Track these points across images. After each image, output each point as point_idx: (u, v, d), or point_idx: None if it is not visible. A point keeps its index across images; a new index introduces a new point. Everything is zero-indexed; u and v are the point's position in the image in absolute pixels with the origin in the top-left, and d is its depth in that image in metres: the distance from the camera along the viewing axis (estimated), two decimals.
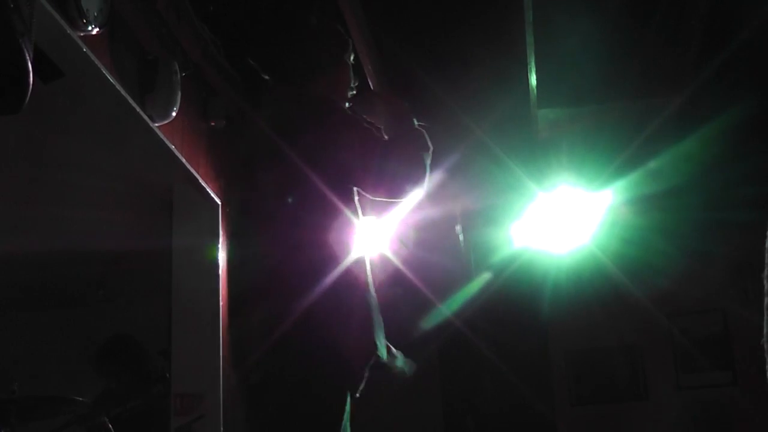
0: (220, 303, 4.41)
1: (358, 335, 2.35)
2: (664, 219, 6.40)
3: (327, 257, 2.48)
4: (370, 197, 2.47)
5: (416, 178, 2.36)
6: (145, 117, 3.45)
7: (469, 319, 5.82)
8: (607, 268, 6.13)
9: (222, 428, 4.22)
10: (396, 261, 5.52)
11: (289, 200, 2.37)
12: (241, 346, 2.37)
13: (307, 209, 2.40)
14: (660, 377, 6.78)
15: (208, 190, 4.33)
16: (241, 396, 2.37)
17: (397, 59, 4.49)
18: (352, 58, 2.61)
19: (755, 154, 5.39)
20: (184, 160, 3.94)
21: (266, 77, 2.58)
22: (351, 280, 2.47)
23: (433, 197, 4.78)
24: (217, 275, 4.43)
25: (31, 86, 1.92)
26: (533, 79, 4.40)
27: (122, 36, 3.37)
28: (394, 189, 2.40)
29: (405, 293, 5.73)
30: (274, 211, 2.38)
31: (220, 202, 4.49)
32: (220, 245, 4.46)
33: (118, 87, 3.20)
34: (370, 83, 4.49)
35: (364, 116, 2.51)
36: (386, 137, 2.45)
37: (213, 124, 4.40)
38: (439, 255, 5.77)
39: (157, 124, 3.57)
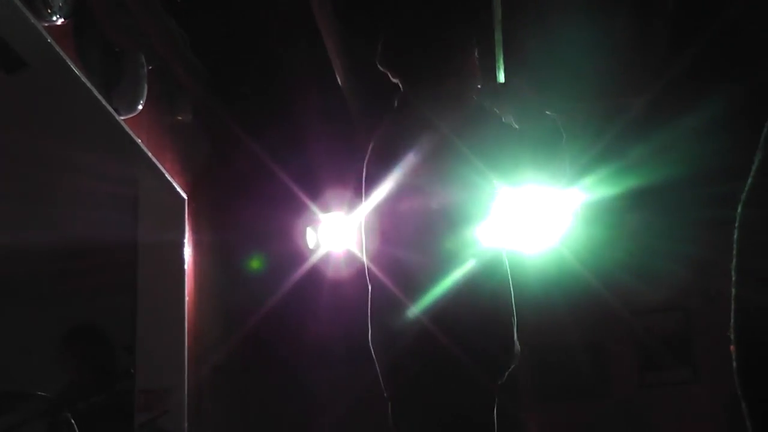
0: (186, 298, 4.39)
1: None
2: (629, 218, 6.47)
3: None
4: (507, 187, 2.52)
5: (552, 166, 2.40)
6: (111, 110, 3.42)
7: (436, 317, 5.80)
8: (574, 267, 6.17)
9: (186, 424, 4.20)
10: (364, 257, 5.51)
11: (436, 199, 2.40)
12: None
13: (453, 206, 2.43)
14: (624, 375, 6.84)
15: (174, 184, 4.30)
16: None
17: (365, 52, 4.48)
18: (477, 53, 2.64)
19: (721, 152, 5.45)
20: (150, 154, 3.90)
21: (397, 80, 2.60)
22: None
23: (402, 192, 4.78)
24: (183, 270, 4.41)
25: None
26: (501, 77, 4.41)
27: (88, 27, 3.32)
28: (530, 178, 2.45)
29: (372, 290, 5.75)
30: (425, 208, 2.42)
31: (186, 197, 4.46)
32: (186, 240, 4.45)
33: (84, 79, 3.16)
34: (339, 79, 4.49)
35: (494, 108, 2.53)
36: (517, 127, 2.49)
37: (180, 118, 4.37)
38: (409, 252, 5.76)
39: (122, 118, 3.53)
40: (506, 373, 2.35)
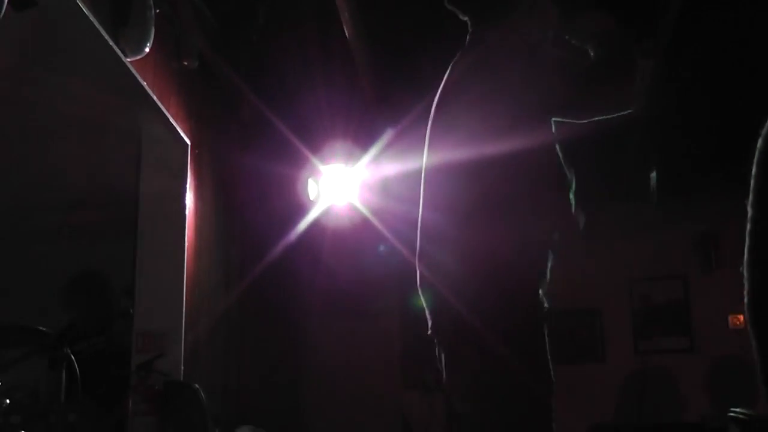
0: (186, 243, 4.42)
1: None
2: (631, 186, 6.46)
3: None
4: (577, 121, 2.45)
5: (621, 96, 2.36)
6: (118, 51, 3.41)
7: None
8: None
9: (183, 367, 4.25)
10: (365, 211, 5.54)
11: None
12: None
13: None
14: (618, 341, 6.88)
15: (179, 129, 4.30)
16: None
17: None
18: None
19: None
20: (155, 98, 3.90)
21: (466, 18, 2.57)
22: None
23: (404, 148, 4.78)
24: (184, 215, 4.42)
25: (3, 12, 1.86)
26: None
27: None
28: (600, 109, 2.39)
29: (373, 242, 5.77)
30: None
31: (189, 142, 4.46)
32: (188, 186, 4.46)
33: (92, 18, 3.15)
34: (346, 30, 4.47)
35: (572, 40, 2.49)
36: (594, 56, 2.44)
37: (185, 63, 4.36)
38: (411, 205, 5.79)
39: (129, 59, 3.53)
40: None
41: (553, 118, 2.39)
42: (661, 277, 7.10)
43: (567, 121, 2.42)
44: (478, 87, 2.34)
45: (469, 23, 2.57)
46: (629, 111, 2.36)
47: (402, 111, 4.58)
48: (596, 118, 2.41)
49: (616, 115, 2.37)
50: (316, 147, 5.41)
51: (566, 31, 2.50)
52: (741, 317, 7.36)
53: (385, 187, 5.56)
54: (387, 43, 4.81)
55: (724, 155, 6.33)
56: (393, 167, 5.31)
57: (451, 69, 2.50)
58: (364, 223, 5.54)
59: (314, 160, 5.39)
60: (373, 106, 5.31)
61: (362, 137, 5.42)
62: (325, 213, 5.56)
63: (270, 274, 5.21)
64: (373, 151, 5.28)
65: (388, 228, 5.34)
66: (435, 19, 4.55)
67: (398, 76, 5.03)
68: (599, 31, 2.44)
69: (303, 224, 5.42)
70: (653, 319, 7.00)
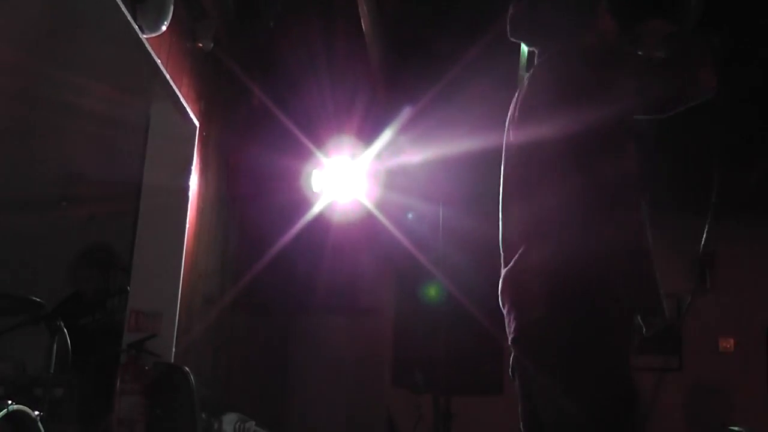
0: (186, 225, 4.39)
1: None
2: None
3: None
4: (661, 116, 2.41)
5: (704, 79, 2.32)
6: (135, 26, 3.39)
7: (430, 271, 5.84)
8: None
9: (174, 349, 4.22)
10: (369, 204, 5.52)
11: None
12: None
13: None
14: None
15: (189, 110, 4.27)
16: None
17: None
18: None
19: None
20: (168, 77, 3.88)
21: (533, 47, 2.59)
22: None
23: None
24: (187, 197, 4.40)
25: None
26: None
27: None
28: (684, 97, 2.35)
29: (373, 237, 5.73)
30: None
31: (198, 124, 4.44)
32: (193, 168, 4.43)
33: None
34: (363, 25, 4.45)
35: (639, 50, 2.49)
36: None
37: (200, 45, 4.34)
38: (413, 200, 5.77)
39: (145, 36, 3.50)
40: None
41: (637, 116, 2.37)
42: None
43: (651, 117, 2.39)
44: (560, 97, 2.33)
45: (536, 52, 2.58)
46: (713, 94, 2.32)
47: (413, 98, 4.57)
48: (681, 108, 2.36)
49: (700, 101, 2.33)
50: (322, 139, 5.39)
51: (629, 42, 2.50)
52: (732, 340, 7.38)
53: (391, 179, 5.54)
54: (401, 30, 4.79)
55: (724, 176, 6.31)
56: (399, 159, 5.30)
57: (528, 83, 2.49)
58: (366, 217, 5.52)
59: (320, 153, 5.37)
60: (383, 98, 5.29)
61: (369, 130, 5.40)
62: (327, 206, 5.53)
63: (267, 264, 5.18)
64: (380, 143, 5.26)
65: (391, 222, 5.33)
66: (448, 5, 4.55)
67: (411, 62, 5.01)
68: (663, 37, 2.44)
69: (304, 216, 5.39)
70: (646, 337, 6.98)
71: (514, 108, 2.51)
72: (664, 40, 2.44)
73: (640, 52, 2.47)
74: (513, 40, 2.60)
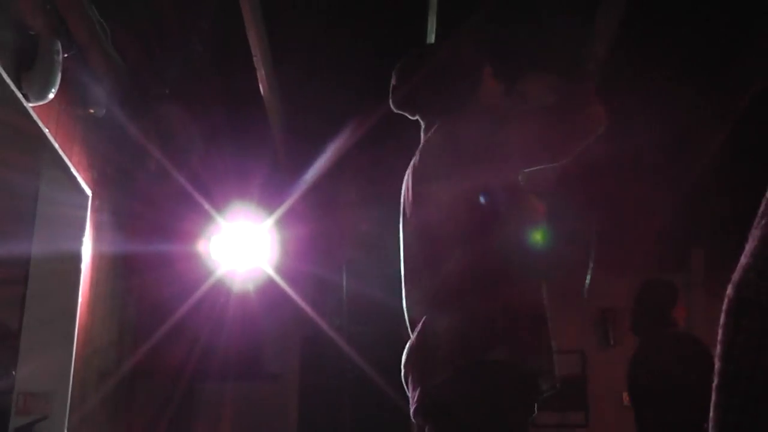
0: (79, 299, 4.20)
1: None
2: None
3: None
4: (557, 162, 2.41)
5: (593, 118, 2.34)
6: (20, 95, 3.24)
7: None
8: None
9: (66, 430, 4.00)
10: (270, 270, 5.41)
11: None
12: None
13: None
14: None
15: (80, 179, 4.11)
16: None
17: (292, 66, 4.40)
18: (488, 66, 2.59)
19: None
20: (56, 146, 3.72)
21: (416, 118, 2.59)
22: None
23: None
24: (80, 270, 4.21)
25: None
26: None
27: (2, 7, 3.16)
28: (578, 138, 2.35)
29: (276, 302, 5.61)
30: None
31: (90, 194, 4.28)
32: (85, 239, 4.25)
33: None
34: (262, 89, 4.39)
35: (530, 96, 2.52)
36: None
37: (91, 111, 4.19)
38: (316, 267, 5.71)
39: (31, 105, 3.36)
40: None
41: (533, 167, 2.37)
42: (559, 351, 7.13)
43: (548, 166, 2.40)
44: (452, 165, 2.33)
45: (421, 121, 2.58)
46: (602, 131, 2.34)
47: (315, 163, 4.53)
48: (576, 150, 2.37)
49: (593, 138, 2.35)
50: (223, 204, 5.28)
51: (515, 99, 2.53)
52: None
53: (293, 246, 5.46)
54: (300, 96, 4.75)
55: (623, 231, 6.47)
56: (301, 226, 5.22)
57: (419, 156, 2.47)
58: (269, 283, 5.41)
59: (221, 218, 5.25)
60: (284, 163, 5.22)
61: (270, 197, 5.32)
62: (229, 272, 5.40)
63: (168, 332, 5.01)
64: (281, 211, 5.18)
65: (294, 288, 5.24)
66: (350, 80, 4.54)
67: (311, 128, 4.97)
68: (546, 87, 2.44)
69: (205, 283, 5.25)
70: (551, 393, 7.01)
71: (407, 182, 2.49)
72: (548, 89, 2.46)
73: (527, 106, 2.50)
74: (397, 112, 2.58)
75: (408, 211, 2.47)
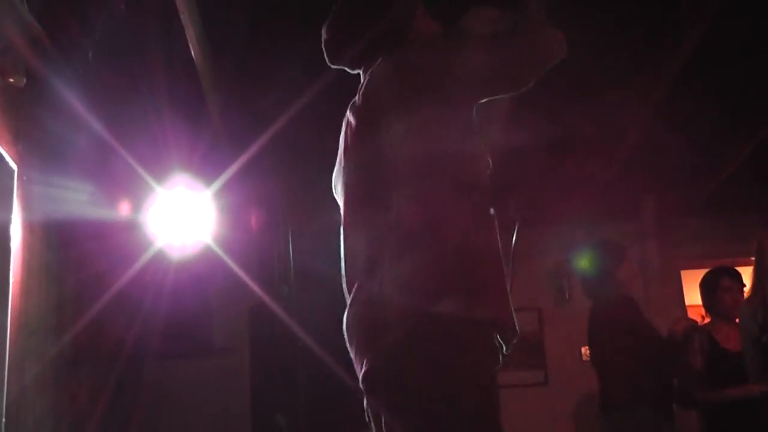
0: (11, 280, 3.98)
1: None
2: None
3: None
4: (516, 91, 2.26)
5: (540, 49, 2.20)
6: None
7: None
8: None
9: (4, 420, 3.80)
10: (214, 243, 5.22)
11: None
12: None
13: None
14: None
15: (3, 153, 3.88)
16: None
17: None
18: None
19: None
20: None
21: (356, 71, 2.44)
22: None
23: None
24: (9, 249, 3.99)
25: None
26: None
27: None
28: (532, 69, 2.20)
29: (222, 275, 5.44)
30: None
31: (16, 168, 4.05)
32: (13, 216, 4.03)
33: None
34: (192, 52, 4.18)
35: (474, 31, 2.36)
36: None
37: (11, 81, 3.95)
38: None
39: None
40: None
41: (490, 97, 2.21)
42: (517, 309, 7.06)
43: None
44: (398, 90, 2.18)
45: (361, 76, 2.43)
46: (564, 53, 2.22)
47: (250, 138, 4.36)
48: (536, 76, 2.22)
49: (554, 63, 2.21)
50: (161, 174, 5.06)
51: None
52: None
53: (234, 216, 5.28)
54: (237, 64, 4.56)
55: (582, 185, 6.40)
56: (243, 196, 5.04)
57: (361, 98, 2.31)
58: (212, 255, 5.22)
59: (159, 188, 5.03)
60: (224, 133, 5.03)
61: (211, 165, 5.12)
62: (169, 244, 5.20)
63: (107, 309, 4.81)
64: (222, 179, 4.98)
65: (237, 259, 5.06)
66: (291, 42, 4.36)
67: (251, 100, 4.80)
68: (491, 20, 2.30)
69: (145, 256, 5.04)
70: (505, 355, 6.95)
71: (347, 124, 2.32)
72: (494, 23, 2.31)
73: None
74: (333, 66, 2.42)
75: (349, 155, 2.30)
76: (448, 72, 2.10)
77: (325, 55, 2.43)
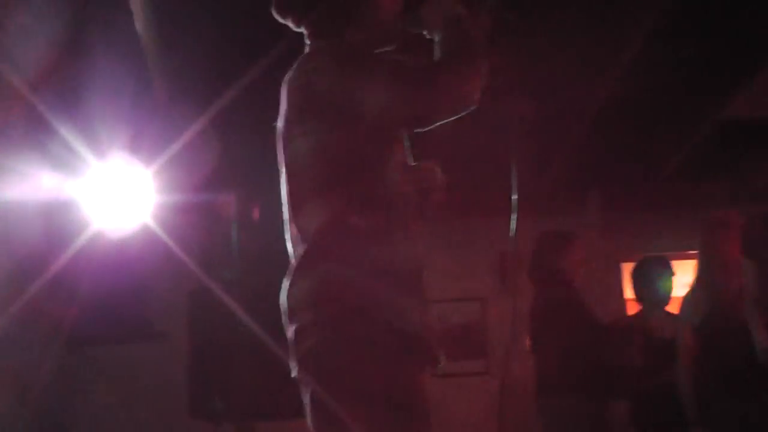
0: None
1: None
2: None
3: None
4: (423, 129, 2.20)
5: (469, 88, 2.13)
6: None
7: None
8: None
9: None
10: (154, 223, 5.09)
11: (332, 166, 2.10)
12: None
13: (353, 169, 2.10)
14: None
15: None
16: None
17: None
18: None
19: None
20: None
21: (301, 30, 2.34)
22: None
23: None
24: None
25: None
26: None
27: None
28: (450, 107, 2.15)
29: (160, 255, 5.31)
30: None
31: None
32: None
33: None
34: (136, 24, 4.05)
35: (417, 30, 2.32)
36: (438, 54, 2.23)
37: None
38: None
39: None
40: None
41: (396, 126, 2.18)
42: (459, 299, 7.06)
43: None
44: (309, 108, 2.14)
45: (305, 35, 2.34)
46: (473, 108, 2.15)
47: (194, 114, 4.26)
48: (442, 121, 2.17)
49: (462, 114, 2.16)
50: (99, 152, 4.92)
51: (411, 24, 2.33)
52: None
53: (175, 196, 5.16)
54: (183, 39, 4.45)
55: (521, 173, 6.39)
56: (186, 175, 4.93)
57: (287, 89, 2.25)
58: (150, 235, 5.09)
59: (97, 166, 4.89)
60: (167, 110, 4.90)
61: (151, 143, 4.99)
62: (107, 224, 5.06)
63: (42, 292, 4.67)
64: (164, 158, 4.85)
65: (178, 241, 4.95)
66: (238, 17, 4.26)
67: (196, 76, 4.69)
68: (446, 16, 2.24)
69: (82, 238, 4.90)
70: (451, 341, 6.95)
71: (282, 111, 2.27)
72: (445, 21, 2.26)
73: (419, 32, 2.32)
74: (278, 18, 2.34)
75: (279, 149, 2.28)
76: (351, 103, 2.06)
77: (272, 7, 2.36)
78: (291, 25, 2.34)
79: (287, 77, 2.24)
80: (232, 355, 5.21)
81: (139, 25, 4.10)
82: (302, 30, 2.34)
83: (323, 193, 2.08)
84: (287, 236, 2.22)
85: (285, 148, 2.20)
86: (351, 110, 2.07)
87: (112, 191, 5.09)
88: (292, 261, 2.15)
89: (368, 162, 2.10)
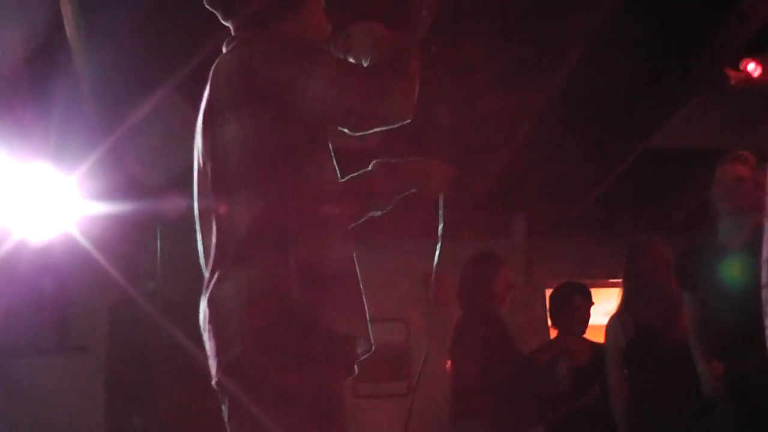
0: None
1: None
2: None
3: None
4: (353, 132, 2.16)
5: (386, 106, 2.11)
6: None
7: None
8: None
9: None
10: (79, 235, 4.97)
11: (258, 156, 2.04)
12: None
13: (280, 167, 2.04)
14: None
15: None
16: None
17: None
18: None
19: None
20: None
21: (227, 23, 2.27)
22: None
23: None
24: None
25: None
26: None
27: None
28: (371, 120, 2.13)
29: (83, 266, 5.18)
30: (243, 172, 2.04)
31: None
32: None
33: None
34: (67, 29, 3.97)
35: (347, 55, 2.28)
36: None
37: None
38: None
39: None
40: None
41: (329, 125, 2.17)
42: (381, 319, 7.04)
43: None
44: (236, 98, 2.08)
45: (231, 29, 2.28)
46: (406, 121, 2.13)
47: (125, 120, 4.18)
48: (374, 129, 2.15)
49: (393, 126, 2.14)
50: (21, 157, 4.80)
51: (340, 46, 2.30)
52: None
53: (98, 205, 5.05)
54: (111, 42, 4.38)
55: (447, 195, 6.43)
56: (109, 183, 4.83)
57: (211, 79, 2.18)
58: (70, 245, 4.97)
59: (18, 172, 4.77)
60: (92, 116, 4.80)
61: (75, 150, 4.88)
62: (25, 233, 4.93)
63: None
64: (87, 164, 4.75)
65: (100, 251, 4.84)
66: (168, 20, 4.21)
67: (123, 80, 4.61)
68: (374, 40, 2.22)
69: (1, 246, 4.77)
70: (372, 362, 6.92)
71: (202, 109, 2.22)
72: (375, 43, 2.26)
73: (345, 56, 2.29)
74: (207, 6, 2.30)
75: (199, 137, 2.20)
76: (287, 92, 2.03)
77: None
78: (220, 15, 2.29)
79: (220, 60, 2.18)
80: (154, 371, 5.10)
81: (69, 29, 4.01)
82: (229, 23, 2.29)
83: (256, 183, 2.02)
84: (198, 226, 2.15)
85: (212, 131, 2.11)
86: (290, 99, 2.03)
87: (33, 199, 4.97)
88: (213, 254, 2.06)
89: (304, 155, 2.07)
